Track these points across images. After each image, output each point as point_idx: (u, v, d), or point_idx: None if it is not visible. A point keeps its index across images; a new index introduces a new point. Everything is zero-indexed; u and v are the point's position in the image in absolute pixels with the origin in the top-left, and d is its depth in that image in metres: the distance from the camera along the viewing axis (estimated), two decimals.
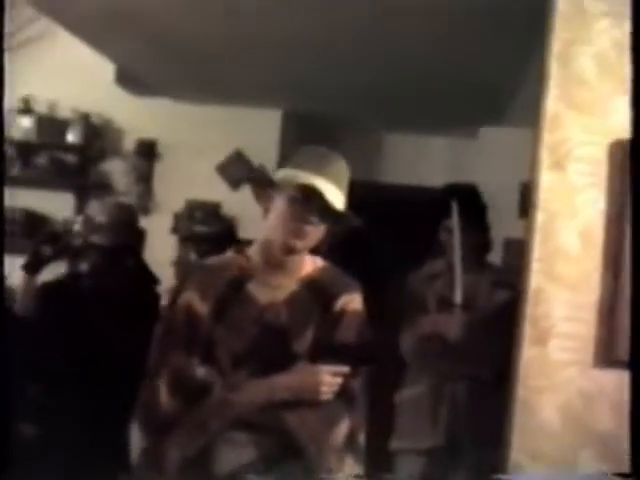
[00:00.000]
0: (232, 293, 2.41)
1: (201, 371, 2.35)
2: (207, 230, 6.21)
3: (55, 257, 3.85)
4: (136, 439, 2.36)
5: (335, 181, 2.37)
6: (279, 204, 2.39)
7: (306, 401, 2.34)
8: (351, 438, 2.41)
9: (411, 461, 3.62)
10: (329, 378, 2.35)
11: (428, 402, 3.60)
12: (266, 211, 2.43)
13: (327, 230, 2.43)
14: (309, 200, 2.34)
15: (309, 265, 2.50)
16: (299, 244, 2.38)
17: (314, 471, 2.34)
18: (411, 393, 3.69)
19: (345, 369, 2.38)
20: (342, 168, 2.44)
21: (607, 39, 2.97)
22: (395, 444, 3.69)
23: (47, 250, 3.80)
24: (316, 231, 2.39)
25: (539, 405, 2.96)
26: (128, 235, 4.13)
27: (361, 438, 2.45)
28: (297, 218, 2.35)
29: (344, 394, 2.39)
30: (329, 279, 2.49)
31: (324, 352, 2.39)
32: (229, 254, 2.52)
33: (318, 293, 2.45)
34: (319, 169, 2.36)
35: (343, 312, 2.46)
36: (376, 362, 2.50)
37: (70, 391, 3.78)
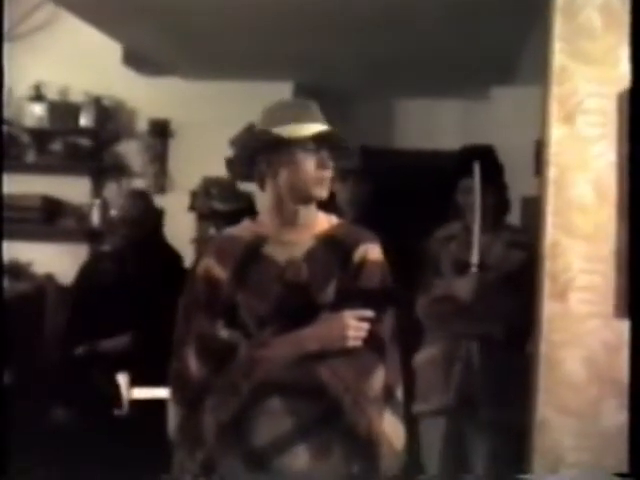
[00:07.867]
0: (250, 257, 2.44)
1: (226, 333, 2.37)
2: (224, 206, 6.20)
3: None
4: (172, 412, 2.40)
5: (323, 121, 2.47)
6: (295, 160, 2.43)
7: (335, 350, 2.34)
8: (388, 392, 2.39)
9: (432, 424, 3.65)
10: (354, 322, 2.35)
11: (442, 362, 3.62)
12: (275, 175, 2.45)
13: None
14: (320, 147, 2.42)
15: (324, 222, 2.53)
16: (324, 193, 2.45)
17: (352, 432, 2.32)
18: (426, 355, 3.71)
19: (369, 313, 2.38)
20: (317, 107, 2.51)
21: None
22: (416, 407, 3.69)
23: None
24: (330, 176, 2.47)
25: (563, 359, 2.97)
26: (146, 217, 4.18)
27: (399, 393, 2.43)
28: (319, 167, 2.43)
29: (372, 341, 2.38)
30: (345, 233, 2.51)
31: (347, 301, 2.39)
32: (244, 223, 2.57)
33: (336, 247, 2.47)
34: (311, 116, 2.46)
35: (363, 262, 2.45)
36: (399, 305, 2.51)
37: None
